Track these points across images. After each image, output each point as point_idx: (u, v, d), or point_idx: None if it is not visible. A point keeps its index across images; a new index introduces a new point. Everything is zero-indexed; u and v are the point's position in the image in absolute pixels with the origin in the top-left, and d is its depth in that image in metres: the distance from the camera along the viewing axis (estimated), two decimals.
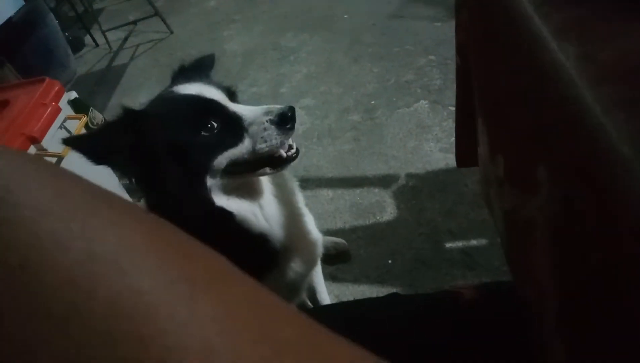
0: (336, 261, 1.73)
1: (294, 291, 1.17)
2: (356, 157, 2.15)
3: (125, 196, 1.70)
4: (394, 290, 1.57)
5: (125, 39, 4.04)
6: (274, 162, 0.92)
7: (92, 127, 1.84)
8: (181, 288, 0.19)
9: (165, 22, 3.80)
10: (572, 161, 0.52)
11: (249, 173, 0.92)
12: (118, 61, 3.75)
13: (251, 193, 0.96)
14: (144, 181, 0.87)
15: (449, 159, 1.96)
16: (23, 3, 2.57)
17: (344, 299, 1.62)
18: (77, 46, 3.99)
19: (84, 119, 1.71)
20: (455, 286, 1.53)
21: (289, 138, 0.90)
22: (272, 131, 0.87)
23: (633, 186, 0.40)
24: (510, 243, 0.87)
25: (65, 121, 1.66)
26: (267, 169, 0.92)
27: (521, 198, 0.73)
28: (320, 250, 1.21)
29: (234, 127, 0.88)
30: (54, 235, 0.18)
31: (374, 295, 1.60)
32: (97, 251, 0.18)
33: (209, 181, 0.87)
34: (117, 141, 0.82)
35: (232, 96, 0.95)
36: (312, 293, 1.44)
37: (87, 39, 4.15)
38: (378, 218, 1.85)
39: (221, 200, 0.90)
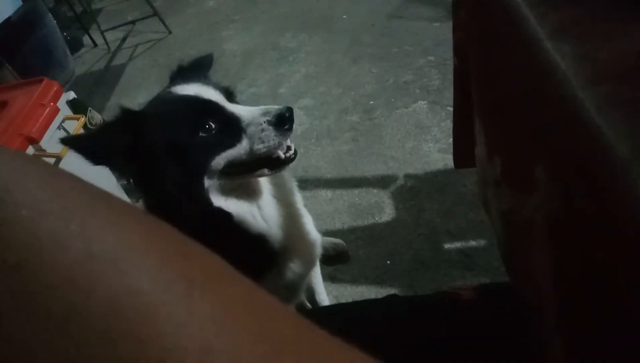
0: (335, 261, 1.73)
1: (292, 291, 1.17)
2: (355, 157, 2.15)
3: (124, 196, 1.70)
4: (393, 291, 1.57)
5: (124, 39, 4.04)
6: (272, 163, 0.92)
7: (91, 127, 1.84)
8: (180, 288, 0.19)
9: (164, 23, 3.80)
10: (571, 161, 0.52)
11: (247, 173, 0.92)
12: (116, 61, 3.75)
13: (250, 193, 0.96)
14: (142, 182, 0.87)
15: (448, 160, 1.96)
16: (21, 3, 2.56)
17: (343, 300, 1.62)
18: (75, 46, 3.98)
19: (83, 119, 1.71)
20: (454, 287, 1.53)
21: (287, 138, 0.90)
22: (270, 132, 0.87)
23: (632, 185, 0.40)
24: (508, 243, 0.87)
25: (63, 121, 1.65)
26: (265, 171, 0.92)
27: (519, 198, 0.73)
28: (318, 251, 1.21)
29: (232, 128, 0.88)
30: (53, 235, 0.18)
31: (373, 296, 1.60)
32: (96, 251, 0.18)
33: (207, 182, 0.87)
34: (115, 141, 0.82)
35: (230, 96, 0.95)
36: (311, 294, 1.44)
37: (86, 39, 4.15)
38: (377, 218, 1.86)
39: (219, 201, 0.90)
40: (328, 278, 1.68)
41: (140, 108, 0.90)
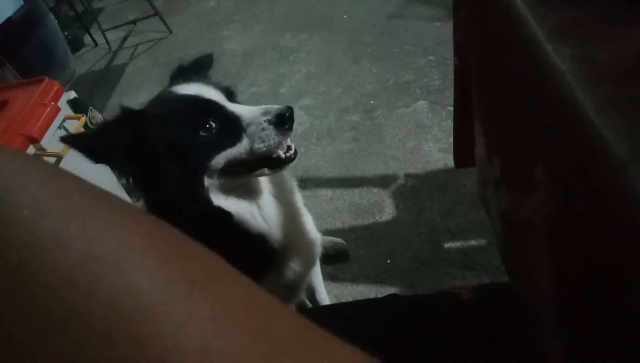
0: (335, 261, 1.73)
1: (293, 291, 1.17)
2: (355, 157, 2.15)
3: (124, 196, 1.70)
4: (393, 290, 1.57)
5: (125, 38, 4.04)
6: (273, 163, 0.92)
7: (92, 127, 1.84)
8: (180, 288, 0.19)
9: (164, 22, 3.80)
10: (570, 162, 0.52)
11: (247, 173, 0.92)
12: (117, 61, 3.74)
13: (250, 193, 0.96)
14: (143, 181, 0.87)
15: (448, 160, 1.96)
16: (22, 3, 2.56)
17: (343, 299, 1.62)
18: (76, 45, 3.98)
19: (83, 119, 1.71)
20: (454, 286, 1.53)
21: (287, 138, 0.90)
22: (270, 131, 0.87)
23: (631, 186, 0.40)
24: (507, 243, 0.87)
25: (64, 120, 1.65)
26: (266, 170, 0.93)
27: (518, 198, 0.73)
28: (319, 250, 1.21)
29: (232, 128, 0.88)
30: (54, 235, 0.18)
31: (373, 295, 1.60)
32: (97, 251, 0.18)
33: (207, 181, 0.87)
34: (115, 140, 0.83)
35: (230, 96, 0.95)
36: (311, 293, 1.44)
37: (87, 38, 4.15)
38: (377, 218, 1.85)
39: (219, 200, 0.90)
40: (328, 277, 1.68)
41: (140, 108, 0.90)
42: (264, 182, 1.00)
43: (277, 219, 0.99)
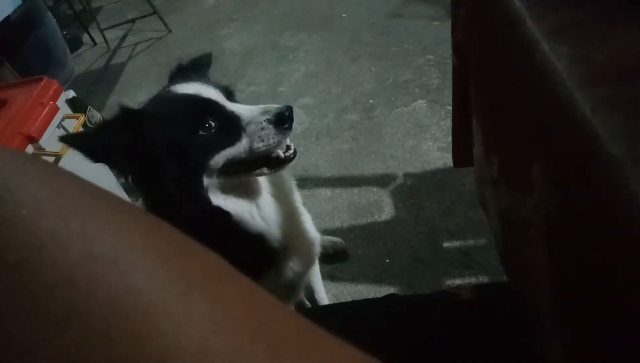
0: (334, 260, 1.74)
1: (291, 290, 1.17)
2: (354, 156, 2.15)
3: (123, 195, 1.70)
4: (392, 289, 1.57)
5: (124, 37, 4.03)
6: (272, 162, 0.92)
7: (90, 126, 1.84)
8: (179, 287, 0.19)
9: (163, 21, 3.80)
10: (568, 161, 0.52)
11: (246, 172, 0.92)
12: (116, 60, 3.74)
13: (249, 192, 0.96)
14: (141, 180, 0.87)
15: (447, 159, 1.96)
16: (21, 2, 2.56)
17: (342, 298, 1.62)
18: (75, 44, 3.97)
19: (82, 118, 1.71)
20: (454, 286, 1.53)
21: (287, 137, 0.90)
22: (270, 131, 0.87)
23: (626, 185, 0.40)
24: (506, 243, 0.87)
25: (63, 120, 1.65)
26: (265, 170, 0.93)
27: (516, 197, 0.73)
28: (318, 249, 1.21)
29: (232, 127, 0.88)
30: (53, 234, 0.18)
31: (372, 294, 1.60)
32: (96, 250, 0.18)
33: (206, 181, 0.87)
34: (114, 139, 0.82)
35: (229, 95, 0.95)
36: (310, 293, 1.44)
37: (85, 37, 4.14)
38: (376, 217, 1.86)
39: (218, 200, 0.90)
40: (327, 276, 1.68)
41: (139, 107, 0.90)
42: (263, 181, 1.00)
43: (276, 219, 0.99)
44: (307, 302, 1.48)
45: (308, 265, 1.20)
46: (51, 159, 1.51)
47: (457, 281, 1.55)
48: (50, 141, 1.55)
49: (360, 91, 2.54)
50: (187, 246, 0.22)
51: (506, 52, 0.71)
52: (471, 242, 1.66)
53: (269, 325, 0.19)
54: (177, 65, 1.02)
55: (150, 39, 3.87)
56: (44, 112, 1.56)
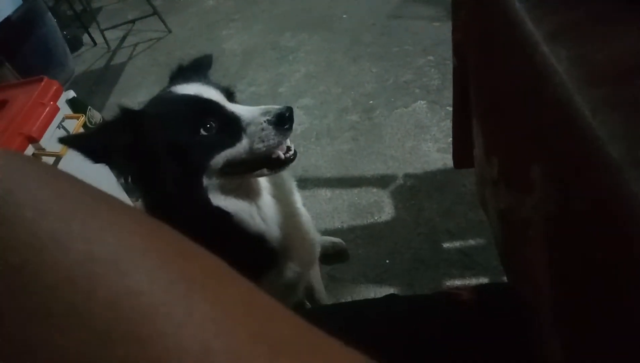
0: (334, 261, 1.74)
1: (292, 291, 1.17)
2: (354, 157, 2.15)
3: (123, 195, 1.70)
4: (392, 290, 1.57)
5: (124, 38, 4.04)
6: (272, 163, 0.92)
7: (91, 126, 1.84)
8: (180, 289, 0.19)
9: (163, 22, 3.80)
10: (568, 162, 0.52)
11: (246, 173, 0.92)
12: (116, 60, 3.74)
13: (249, 193, 0.96)
14: (141, 181, 0.87)
15: (447, 160, 1.96)
16: (21, 2, 2.56)
17: (342, 299, 1.62)
18: (75, 45, 3.98)
19: (82, 118, 1.70)
20: (454, 287, 1.53)
21: (287, 138, 0.90)
22: (270, 132, 0.87)
23: (627, 186, 0.40)
24: (506, 243, 0.87)
25: (63, 120, 1.65)
26: (265, 171, 0.93)
27: (516, 197, 0.73)
28: (318, 250, 1.21)
29: (232, 128, 0.88)
30: (54, 236, 0.18)
31: (372, 295, 1.60)
32: (97, 252, 0.18)
33: (206, 181, 0.87)
34: (114, 140, 0.83)
35: (230, 96, 0.95)
36: (311, 293, 1.44)
37: (86, 38, 4.14)
38: (376, 217, 1.86)
39: (218, 200, 0.90)
40: (327, 277, 1.68)
41: (140, 107, 0.90)
42: (263, 182, 1.00)
43: (276, 220, 0.99)
44: (307, 302, 1.48)
45: (308, 265, 1.20)
46: (51, 159, 1.51)
47: (457, 282, 1.55)
48: (50, 141, 1.55)
49: (360, 92, 2.54)
50: (187, 247, 0.22)
51: (506, 53, 0.71)
52: (471, 243, 1.66)
53: (269, 326, 0.19)
54: (178, 66, 1.02)
55: (151, 39, 3.87)
56: (45, 113, 1.56)
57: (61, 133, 1.62)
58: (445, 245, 1.68)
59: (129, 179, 0.87)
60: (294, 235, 1.06)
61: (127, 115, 0.85)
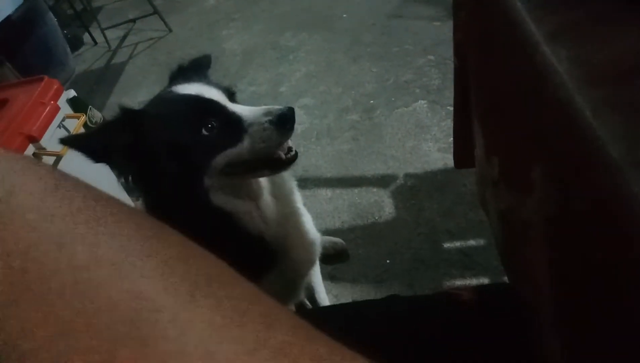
0: (335, 261, 1.74)
1: (292, 291, 1.17)
2: (355, 157, 2.15)
3: (124, 195, 1.70)
4: (393, 290, 1.57)
5: (124, 37, 4.03)
6: (273, 164, 0.92)
7: (91, 126, 1.84)
8: (182, 293, 0.19)
9: (164, 21, 3.80)
10: (568, 162, 0.52)
11: (247, 173, 0.92)
12: (117, 60, 3.74)
13: (249, 193, 0.96)
14: (142, 180, 0.87)
15: (448, 159, 1.96)
16: (22, 1, 2.56)
17: (343, 299, 1.62)
18: (75, 44, 3.97)
19: (83, 118, 1.70)
20: (454, 287, 1.53)
21: (288, 138, 0.90)
22: (271, 132, 0.87)
23: (628, 187, 0.40)
24: (506, 243, 0.87)
25: (64, 120, 1.65)
26: (266, 171, 0.93)
27: (516, 198, 0.73)
28: (318, 250, 1.21)
29: (234, 128, 0.88)
30: (58, 239, 0.18)
31: (373, 295, 1.60)
32: (100, 255, 0.18)
33: (207, 181, 0.87)
34: (115, 140, 0.83)
35: (231, 96, 0.95)
36: (311, 293, 1.44)
37: (86, 37, 4.13)
38: (377, 217, 1.86)
39: (219, 200, 0.90)
40: (328, 277, 1.68)
41: (140, 107, 0.90)
42: (264, 182, 1.00)
43: (277, 219, 0.99)
44: (308, 303, 1.48)
45: (309, 265, 1.20)
46: (52, 159, 1.51)
47: (458, 282, 1.55)
48: (51, 141, 1.55)
49: (360, 92, 2.54)
50: (190, 250, 0.22)
51: (506, 53, 0.71)
52: (472, 243, 1.66)
53: (272, 331, 0.19)
54: (178, 66, 1.02)
55: (151, 38, 3.86)
56: (45, 112, 1.56)
57: (62, 133, 1.62)
58: (446, 245, 1.68)
59: (130, 179, 0.87)
60: (294, 235, 1.06)
61: (127, 115, 0.85)
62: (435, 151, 2.05)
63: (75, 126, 1.66)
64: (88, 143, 0.83)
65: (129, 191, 1.85)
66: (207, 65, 1.06)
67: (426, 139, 2.11)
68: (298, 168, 2.12)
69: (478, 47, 0.89)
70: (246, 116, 0.88)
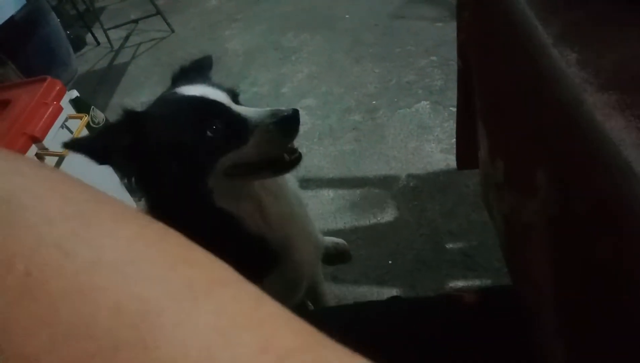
0: (336, 261, 1.73)
1: (294, 291, 1.17)
2: (357, 157, 2.15)
3: (126, 195, 1.70)
4: (395, 291, 1.57)
5: (127, 37, 4.04)
6: (277, 166, 0.92)
7: (94, 126, 1.84)
8: (185, 296, 0.18)
9: (166, 21, 3.80)
10: (571, 164, 0.52)
11: (251, 175, 0.92)
12: (119, 60, 3.75)
13: (252, 194, 0.96)
14: (145, 182, 0.88)
15: (450, 160, 1.95)
16: (25, 2, 2.56)
17: (345, 300, 1.62)
18: (78, 44, 3.98)
19: (86, 118, 1.71)
20: (456, 289, 1.53)
21: (292, 141, 0.90)
22: (276, 134, 0.87)
23: (632, 189, 0.40)
24: (509, 245, 0.87)
25: (66, 120, 1.65)
26: (270, 173, 0.93)
27: (520, 200, 0.73)
28: (320, 251, 1.21)
29: (238, 129, 0.88)
30: (61, 242, 0.18)
31: (375, 296, 1.60)
32: (103, 258, 0.18)
33: (210, 183, 0.87)
34: (117, 142, 0.83)
35: (235, 97, 0.95)
36: (313, 294, 1.44)
37: (89, 37, 4.14)
38: (379, 218, 1.85)
39: (222, 201, 0.90)
40: (330, 278, 1.68)
41: (143, 108, 0.90)
42: (266, 183, 1.00)
43: (279, 221, 0.99)
44: (310, 303, 1.48)
45: (311, 266, 1.20)
46: (55, 159, 1.51)
47: (460, 283, 1.55)
48: (54, 141, 1.55)
49: (363, 92, 2.54)
50: (193, 254, 0.22)
51: (510, 55, 0.71)
52: (474, 244, 1.66)
53: (276, 335, 0.19)
54: (180, 67, 1.02)
55: (154, 39, 3.87)
56: (48, 113, 1.56)
57: (64, 133, 1.62)
58: (448, 246, 1.68)
59: (132, 180, 0.87)
60: (296, 235, 1.06)
61: (130, 117, 0.85)
62: (437, 152, 2.04)
63: (78, 126, 1.67)
64: (91, 146, 0.84)
65: (131, 191, 1.86)
66: (209, 66, 1.06)
67: (428, 140, 2.11)
68: (300, 168, 2.11)
69: (481, 48, 0.88)
70: (251, 117, 0.88)
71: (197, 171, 0.86)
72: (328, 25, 3.24)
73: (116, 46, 3.93)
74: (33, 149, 1.50)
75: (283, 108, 0.89)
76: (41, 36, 2.94)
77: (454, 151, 1.29)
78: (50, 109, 1.57)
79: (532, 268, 0.71)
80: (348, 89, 2.59)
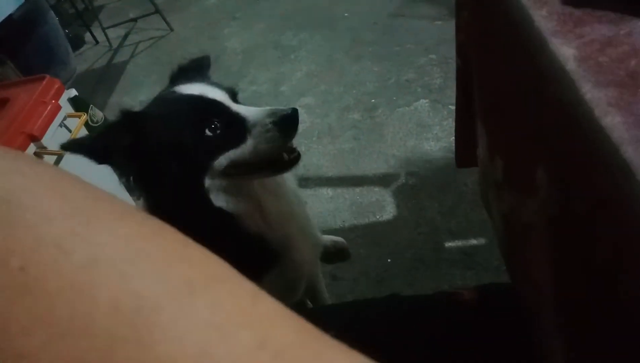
0: (335, 260, 1.74)
1: (293, 290, 1.17)
2: (356, 156, 2.15)
3: (125, 194, 1.70)
4: (394, 289, 1.57)
5: (126, 36, 4.03)
6: (276, 165, 0.92)
7: (92, 125, 1.84)
8: (182, 292, 0.18)
9: (165, 20, 3.80)
10: (571, 163, 0.52)
11: (249, 174, 0.92)
12: (118, 59, 3.74)
13: (250, 193, 0.96)
14: (143, 181, 0.87)
15: (449, 159, 1.95)
16: (23, 0, 2.56)
17: (344, 298, 1.62)
18: (77, 43, 3.97)
19: (84, 117, 1.70)
20: (455, 287, 1.53)
21: (291, 140, 0.90)
22: (275, 133, 0.87)
23: (632, 188, 0.40)
24: (509, 244, 0.87)
25: (65, 119, 1.65)
26: (269, 172, 0.93)
27: (519, 199, 0.73)
28: (319, 249, 1.21)
29: (237, 129, 0.88)
30: (58, 239, 0.18)
31: (374, 294, 1.60)
32: (100, 255, 0.18)
33: (209, 182, 0.87)
34: (115, 142, 0.83)
35: (234, 96, 0.95)
36: (312, 292, 1.44)
37: (87, 36, 4.14)
38: (378, 217, 1.86)
39: (220, 201, 0.90)
40: (329, 276, 1.68)
41: (142, 107, 0.90)
42: (266, 182, 1.00)
43: (278, 219, 0.99)
44: (309, 302, 1.48)
45: (310, 265, 1.20)
46: (53, 158, 1.51)
47: (459, 282, 1.55)
48: (52, 140, 1.55)
49: (362, 91, 2.54)
50: (190, 250, 0.22)
51: (509, 53, 0.71)
52: (473, 242, 1.66)
53: (273, 332, 0.19)
54: (178, 66, 1.02)
55: (152, 37, 3.87)
56: (46, 111, 1.55)
57: (63, 132, 1.62)
58: (447, 245, 1.68)
59: (131, 179, 0.87)
60: (295, 234, 1.06)
61: (127, 117, 0.85)
62: (436, 150, 2.04)
63: (77, 125, 1.66)
64: (90, 147, 0.84)
65: (130, 190, 1.86)
66: (207, 65, 1.06)
67: (427, 139, 2.11)
68: (299, 167, 2.11)
69: (481, 47, 0.88)
70: (250, 117, 0.88)
71: (196, 170, 0.86)
72: (327, 24, 3.24)
73: (115, 45, 3.92)
74: (31, 147, 1.50)
75: (282, 107, 0.89)
76: (40, 35, 2.94)
77: (453, 150, 1.29)
78: (49, 108, 1.57)
79: (532, 268, 0.71)
80: (347, 88, 2.59)
